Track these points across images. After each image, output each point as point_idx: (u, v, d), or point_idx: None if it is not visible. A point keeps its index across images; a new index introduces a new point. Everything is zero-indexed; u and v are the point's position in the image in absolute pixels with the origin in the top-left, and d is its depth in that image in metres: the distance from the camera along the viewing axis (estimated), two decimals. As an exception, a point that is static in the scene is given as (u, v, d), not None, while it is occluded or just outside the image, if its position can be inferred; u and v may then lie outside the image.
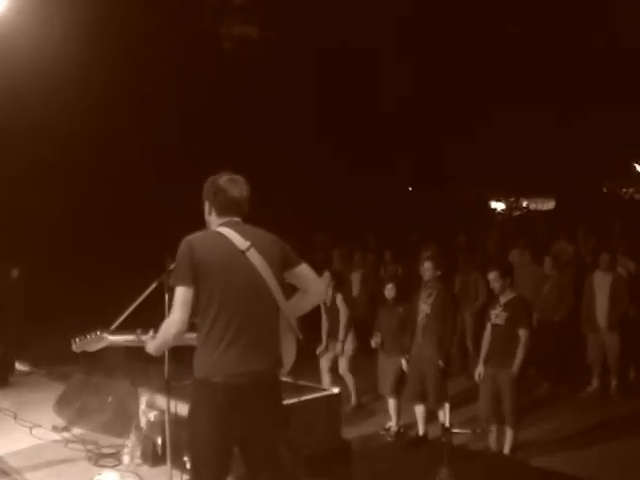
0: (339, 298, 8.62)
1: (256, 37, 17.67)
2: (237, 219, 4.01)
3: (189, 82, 11.80)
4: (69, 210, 10.82)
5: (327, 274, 8.62)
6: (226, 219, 4.00)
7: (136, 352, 5.03)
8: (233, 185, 4.01)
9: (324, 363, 8.82)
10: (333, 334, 8.66)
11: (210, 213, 4.06)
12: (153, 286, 4.96)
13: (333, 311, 8.63)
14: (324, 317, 8.78)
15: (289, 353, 4.06)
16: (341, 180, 16.47)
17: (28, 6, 8.60)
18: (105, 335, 4.29)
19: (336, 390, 6.45)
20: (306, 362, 5.94)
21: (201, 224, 4.11)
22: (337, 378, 8.72)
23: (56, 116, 10.53)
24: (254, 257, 3.89)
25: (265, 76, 15.01)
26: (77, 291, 10.64)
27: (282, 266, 4.00)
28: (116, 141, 10.80)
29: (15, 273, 10.98)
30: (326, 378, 8.77)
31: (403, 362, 7.58)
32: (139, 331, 4.25)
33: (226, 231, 3.93)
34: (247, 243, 3.89)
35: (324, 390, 6.51)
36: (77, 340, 4.26)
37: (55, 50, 9.16)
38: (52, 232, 11.02)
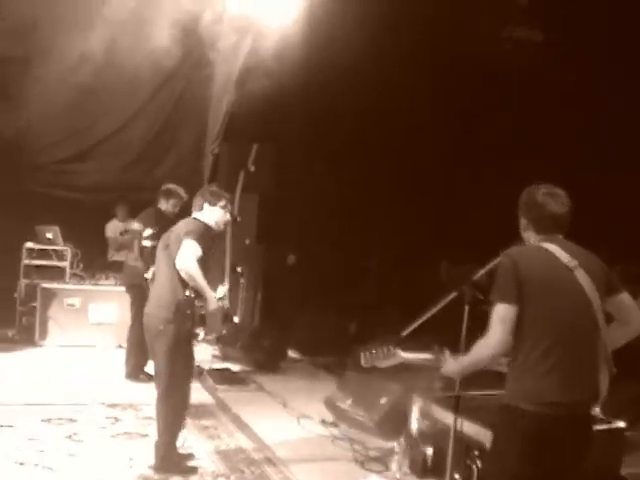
0: None
1: (539, 40, 16.78)
2: (558, 236, 3.65)
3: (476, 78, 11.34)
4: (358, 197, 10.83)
5: None
6: (545, 236, 3.65)
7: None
8: (551, 199, 3.65)
9: None
10: None
11: (526, 229, 3.74)
12: (450, 297, 4.56)
13: None
14: None
15: (603, 385, 3.61)
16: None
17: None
18: (398, 352, 3.94)
19: (621, 424, 5.85)
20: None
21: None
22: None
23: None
24: (582, 277, 3.51)
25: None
26: (356, 284, 10.65)
27: (605, 291, 3.60)
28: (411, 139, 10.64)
29: (292, 259, 11.20)
30: None
31: None
32: (436, 348, 3.87)
33: (551, 247, 3.59)
34: (574, 261, 3.53)
35: (608, 422, 5.90)
36: (367, 354, 3.94)
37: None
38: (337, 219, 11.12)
